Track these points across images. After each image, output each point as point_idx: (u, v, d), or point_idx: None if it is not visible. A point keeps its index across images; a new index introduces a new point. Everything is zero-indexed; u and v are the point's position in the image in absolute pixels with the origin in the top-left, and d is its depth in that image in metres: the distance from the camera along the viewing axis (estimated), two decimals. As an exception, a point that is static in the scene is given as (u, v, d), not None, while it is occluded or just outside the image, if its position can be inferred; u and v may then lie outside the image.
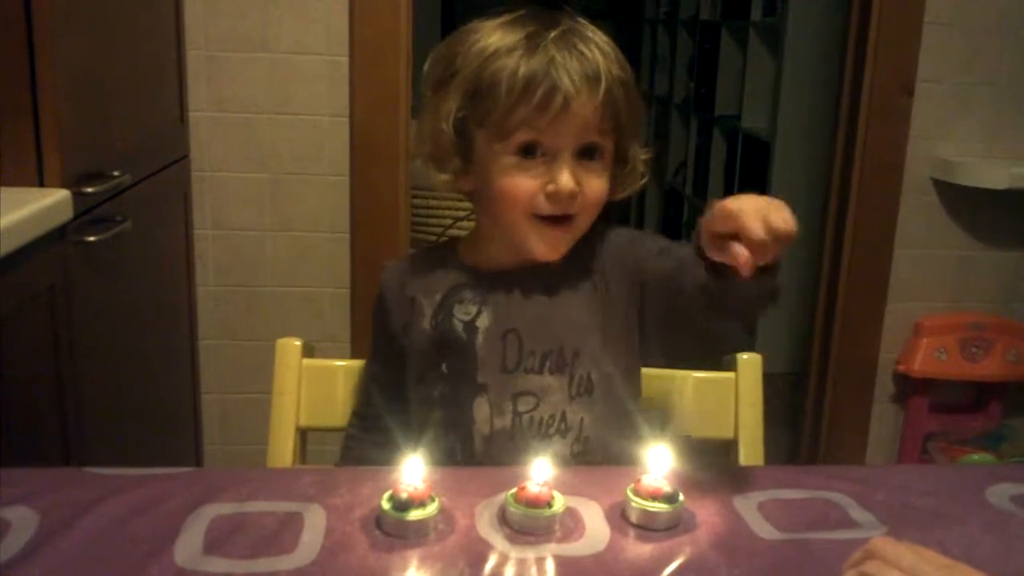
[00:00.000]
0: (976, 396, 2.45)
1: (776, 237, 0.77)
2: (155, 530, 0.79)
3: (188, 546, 0.76)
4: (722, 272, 0.83)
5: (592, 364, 1.02)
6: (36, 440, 1.34)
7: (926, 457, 2.35)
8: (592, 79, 0.95)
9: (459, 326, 1.04)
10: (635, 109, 1.02)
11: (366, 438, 1.14)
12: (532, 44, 0.96)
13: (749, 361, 1.17)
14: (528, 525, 0.80)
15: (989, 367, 2.34)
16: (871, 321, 2.32)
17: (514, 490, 0.82)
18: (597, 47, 0.97)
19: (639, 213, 5.06)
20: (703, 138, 4.25)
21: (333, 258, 2.15)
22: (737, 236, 0.78)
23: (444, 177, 1.03)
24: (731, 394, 1.17)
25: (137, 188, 1.68)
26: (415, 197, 2.37)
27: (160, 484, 0.87)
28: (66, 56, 1.39)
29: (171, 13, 1.94)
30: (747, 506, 0.87)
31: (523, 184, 0.98)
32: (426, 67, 1.04)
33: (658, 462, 0.85)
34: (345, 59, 2.05)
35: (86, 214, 1.44)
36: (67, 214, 1.36)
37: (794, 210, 0.78)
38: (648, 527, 0.81)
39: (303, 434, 1.18)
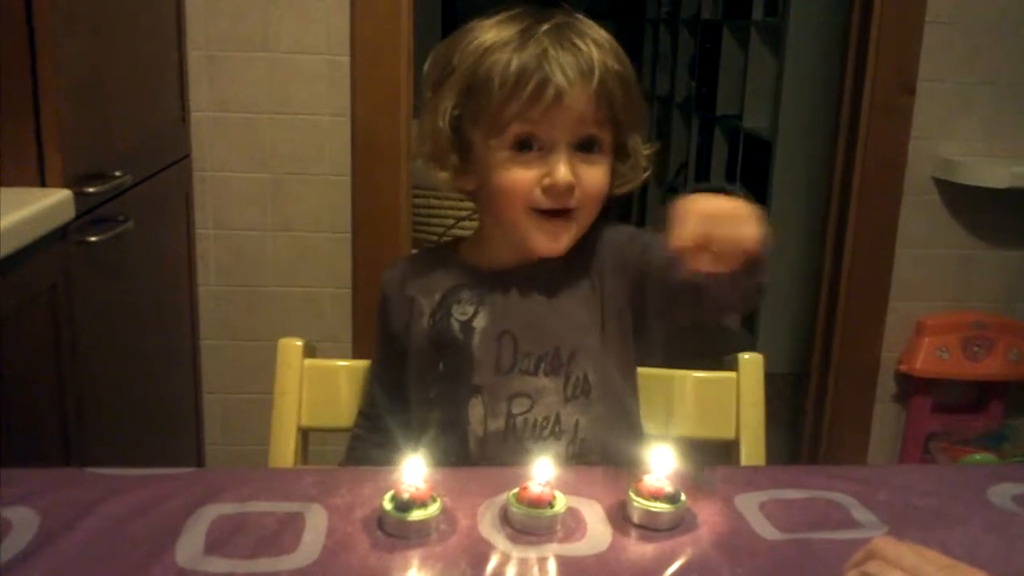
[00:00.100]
0: (978, 396, 2.45)
1: (723, 250, 0.77)
2: (156, 530, 0.79)
3: (189, 546, 0.76)
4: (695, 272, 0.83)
5: (590, 363, 1.02)
6: (37, 440, 1.34)
7: (928, 457, 2.35)
8: (586, 71, 0.95)
9: (456, 326, 1.04)
10: (634, 102, 1.01)
11: (369, 438, 1.14)
12: (525, 38, 0.95)
13: (750, 361, 1.17)
14: (530, 525, 0.80)
15: (991, 367, 2.34)
16: (872, 321, 2.32)
17: (516, 490, 0.82)
18: (592, 40, 0.97)
19: (640, 213, 5.06)
20: (704, 137, 4.25)
21: (334, 258, 2.15)
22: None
23: (445, 176, 1.03)
24: (732, 394, 1.17)
25: (138, 188, 1.68)
26: (416, 197, 2.37)
27: (161, 484, 0.87)
28: (67, 56, 1.39)
29: (172, 13, 1.94)
30: (749, 506, 0.87)
31: (520, 178, 0.97)
32: (426, 67, 1.04)
33: (660, 462, 0.85)
34: (346, 59, 2.05)
35: (87, 214, 1.44)
36: (68, 214, 1.36)
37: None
38: (650, 527, 0.81)
39: (304, 434, 1.18)
